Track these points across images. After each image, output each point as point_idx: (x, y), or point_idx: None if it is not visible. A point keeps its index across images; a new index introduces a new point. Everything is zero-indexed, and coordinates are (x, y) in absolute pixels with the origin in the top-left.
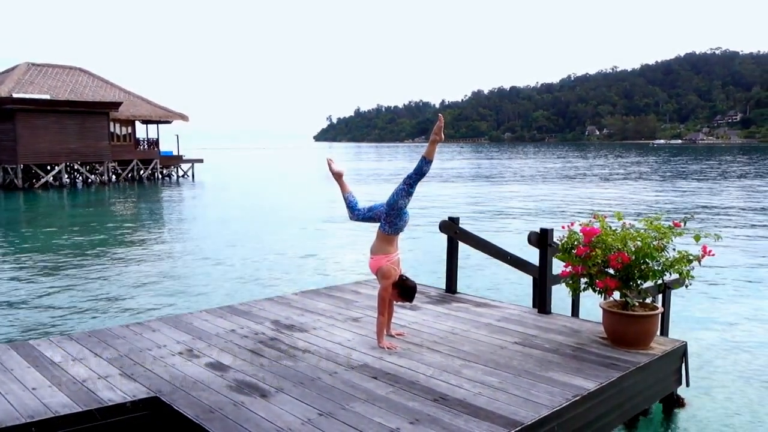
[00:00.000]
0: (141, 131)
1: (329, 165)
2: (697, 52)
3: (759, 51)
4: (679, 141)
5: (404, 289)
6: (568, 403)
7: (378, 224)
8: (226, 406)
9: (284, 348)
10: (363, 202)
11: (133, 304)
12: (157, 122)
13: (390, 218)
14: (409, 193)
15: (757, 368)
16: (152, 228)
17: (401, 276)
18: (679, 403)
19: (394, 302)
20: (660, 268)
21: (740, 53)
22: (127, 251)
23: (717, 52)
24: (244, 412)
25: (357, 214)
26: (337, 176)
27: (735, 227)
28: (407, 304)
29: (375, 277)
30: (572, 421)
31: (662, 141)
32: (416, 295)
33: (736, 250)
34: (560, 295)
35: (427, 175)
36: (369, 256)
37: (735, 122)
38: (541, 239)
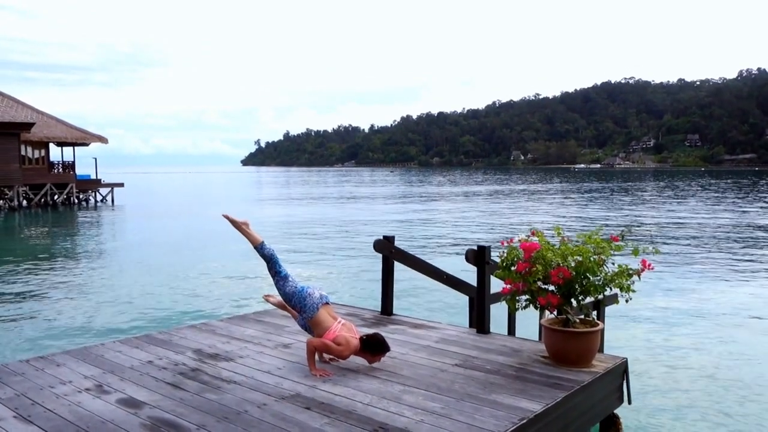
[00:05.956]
0: (56, 154)
1: (228, 220)
2: (613, 81)
3: (669, 81)
4: (598, 165)
5: (373, 346)
6: (514, 426)
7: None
8: None
9: (207, 379)
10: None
11: (37, 336)
12: (73, 144)
13: (296, 307)
14: (283, 278)
15: (692, 381)
16: (62, 255)
17: (362, 338)
18: (616, 424)
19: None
20: (601, 283)
21: (652, 83)
22: (34, 280)
23: (631, 81)
24: None
25: (285, 282)
26: (243, 226)
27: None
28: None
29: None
30: None
31: (583, 165)
32: (350, 318)
33: (666, 264)
34: (495, 313)
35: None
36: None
37: (649, 147)
38: (478, 257)
